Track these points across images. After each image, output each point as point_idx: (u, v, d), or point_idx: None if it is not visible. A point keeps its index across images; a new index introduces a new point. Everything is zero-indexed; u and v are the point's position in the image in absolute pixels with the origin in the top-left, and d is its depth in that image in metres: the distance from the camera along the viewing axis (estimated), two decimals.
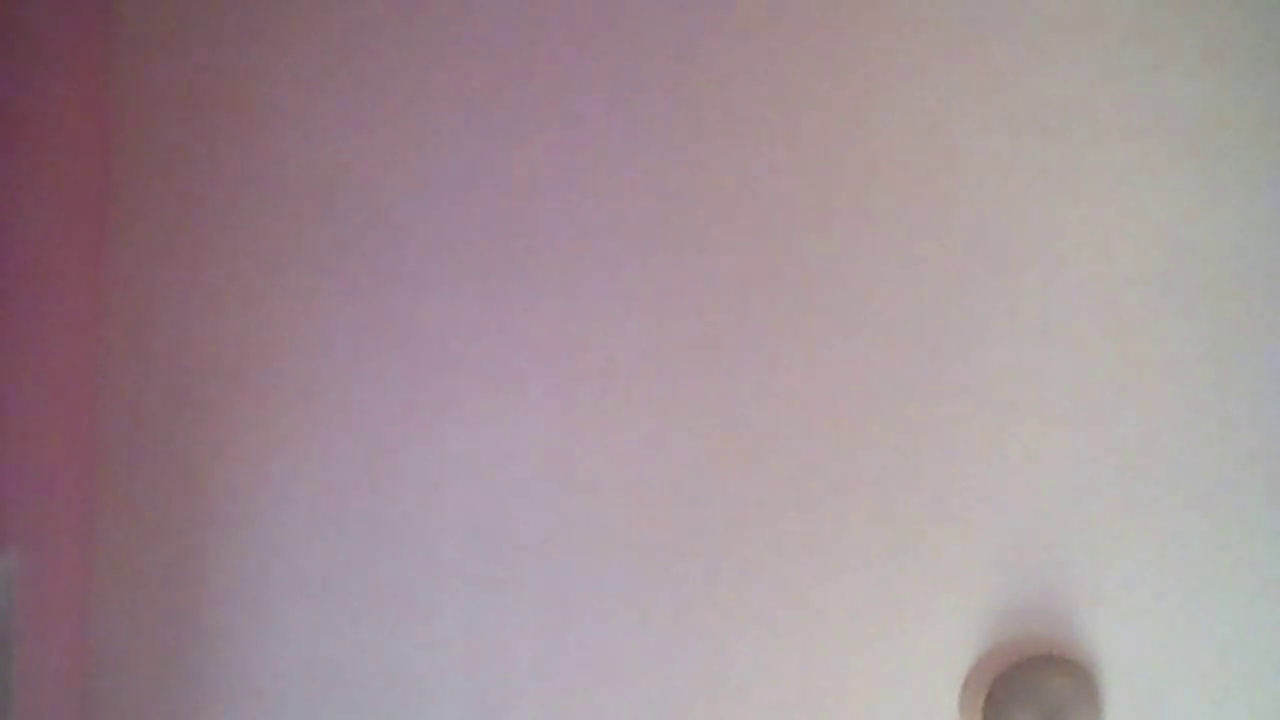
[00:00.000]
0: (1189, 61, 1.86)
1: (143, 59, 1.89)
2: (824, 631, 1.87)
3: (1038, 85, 1.87)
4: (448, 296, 1.88)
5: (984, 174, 1.87)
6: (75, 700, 1.85)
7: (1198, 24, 1.86)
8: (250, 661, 1.87)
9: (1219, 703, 1.85)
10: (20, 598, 1.68)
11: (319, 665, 1.87)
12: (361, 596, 1.87)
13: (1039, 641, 1.85)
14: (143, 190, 1.89)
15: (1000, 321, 1.87)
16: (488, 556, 1.88)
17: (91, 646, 1.87)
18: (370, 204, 1.89)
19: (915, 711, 1.86)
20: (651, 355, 1.88)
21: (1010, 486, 1.86)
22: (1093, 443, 1.86)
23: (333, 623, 1.87)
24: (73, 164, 1.80)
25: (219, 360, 1.88)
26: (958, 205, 1.87)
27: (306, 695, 1.87)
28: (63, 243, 1.79)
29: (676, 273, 1.89)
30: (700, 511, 1.88)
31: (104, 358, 1.88)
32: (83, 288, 1.84)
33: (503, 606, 1.88)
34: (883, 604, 1.87)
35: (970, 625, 1.86)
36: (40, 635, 1.74)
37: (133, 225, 1.89)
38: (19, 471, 1.69)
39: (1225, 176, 1.87)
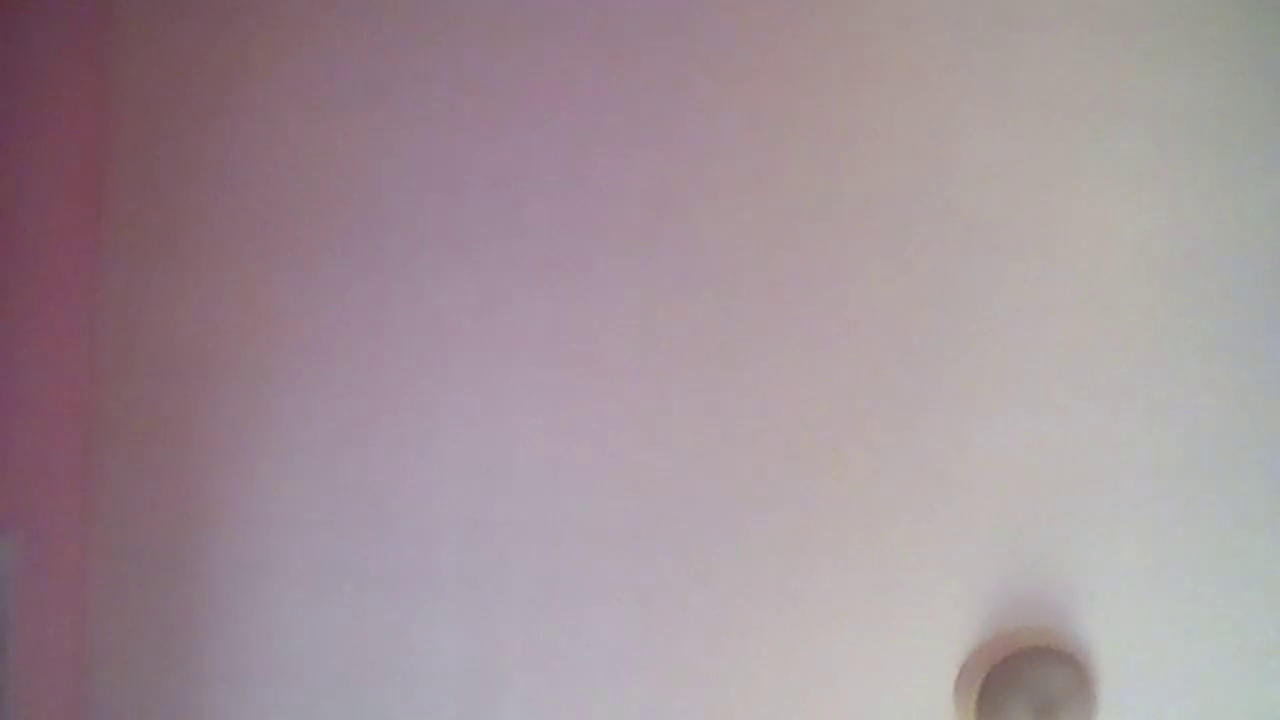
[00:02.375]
0: (1189, 58, 1.84)
1: (139, 51, 1.91)
2: (819, 623, 1.86)
3: (1035, 81, 1.85)
4: (443, 290, 1.89)
5: (981, 169, 1.86)
6: (73, 683, 1.87)
7: (1198, 20, 1.84)
8: (245, 648, 1.89)
9: (1213, 696, 1.82)
10: (18, 582, 1.71)
11: (314, 651, 1.89)
12: (356, 586, 1.89)
13: (1034, 633, 1.83)
14: (138, 184, 1.91)
15: (998, 314, 1.85)
16: (481, 548, 1.88)
17: (88, 630, 1.90)
18: (365, 200, 1.90)
19: (910, 702, 1.85)
20: (645, 348, 1.88)
21: (1006, 479, 1.85)
22: (1088, 436, 1.84)
23: (328, 611, 1.89)
24: (69, 155, 1.83)
25: (214, 352, 1.90)
26: (955, 200, 1.86)
27: (301, 680, 1.89)
28: (59, 235, 1.81)
29: (670, 267, 1.88)
30: (693, 504, 1.87)
31: (101, 347, 1.91)
32: (80, 278, 1.87)
33: (496, 598, 1.88)
34: (878, 595, 1.86)
35: (965, 617, 1.85)
36: (38, 618, 1.77)
37: (129, 218, 1.91)
38: (17, 457, 1.72)
39: (1224, 172, 1.84)
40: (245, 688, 1.89)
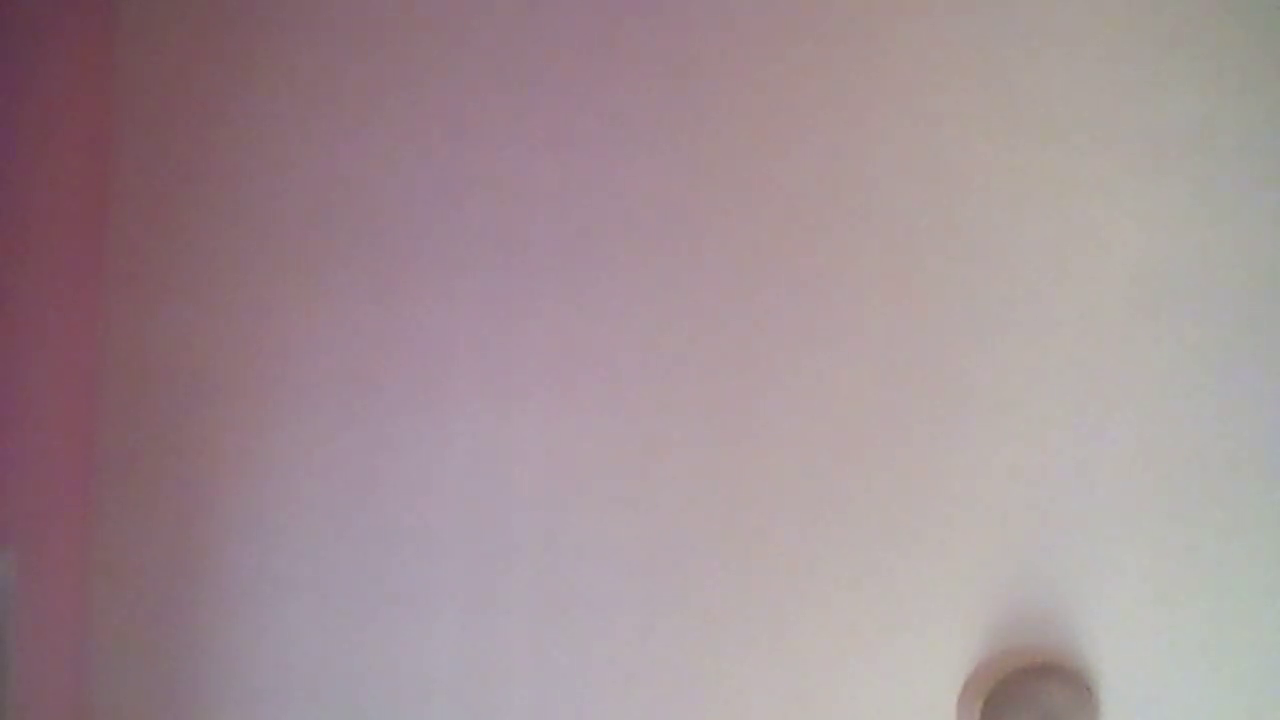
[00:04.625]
0: (1188, 67, 1.86)
1: (144, 60, 1.90)
2: (822, 639, 1.86)
3: (1036, 91, 1.86)
4: (448, 300, 1.89)
5: (981, 179, 1.87)
6: (73, 698, 1.85)
7: (1196, 30, 1.85)
8: (247, 661, 1.88)
9: (1216, 714, 1.84)
10: (18, 596, 1.69)
11: (315, 664, 1.88)
12: (358, 598, 1.88)
13: (1037, 650, 1.84)
14: (143, 191, 1.90)
15: (998, 329, 1.86)
16: (484, 561, 1.88)
17: (89, 644, 1.88)
18: (370, 207, 1.89)
19: (913, 719, 1.86)
20: (649, 362, 1.88)
21: (1010, 495, 1.86)
22: (1092, 451, 1.85)
23: (329, 623, 1.88)
24: (73, 164, 1.81)
25: (218, 362, 1.88)
26: (955, 210, 1.87)
27: (303, 694, 1.88)
28: (63, 243, 1.80)
29: (675, 278, 1.88)
30: (697, 519, 1.87)
31: (103, 357, 1.89)
32: (83, 288, 1.85)
33: (498, 611, 1.88)
34: (881, 611, 1.86)
35: (969, 633, 1.86)
36: (38, 633, 1.75)
37: (133, 226, 1.89)
38: (18, 470, 1.70)
39: (1223, 183, 1.86)
40: (247, 701, 1.88)
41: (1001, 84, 1.87)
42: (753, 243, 1.88)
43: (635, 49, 1.89)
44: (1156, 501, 1.85)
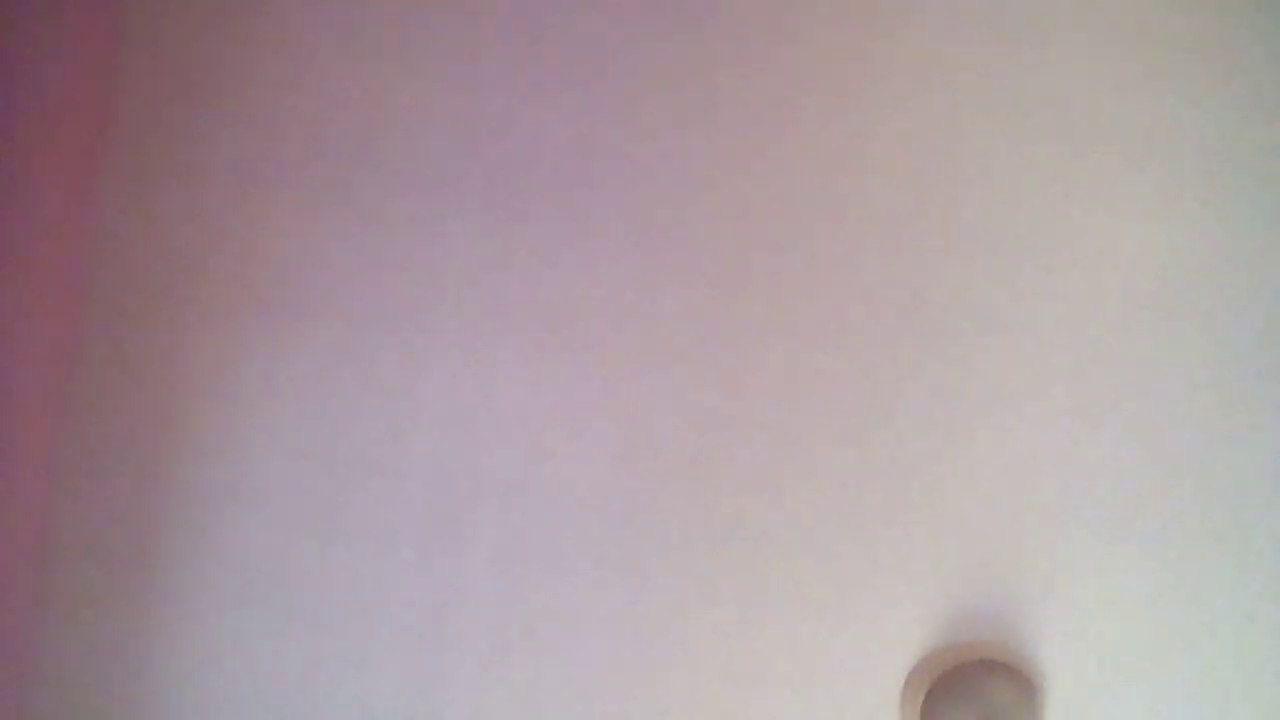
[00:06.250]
0: (1202, 76, 1.85)
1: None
2: (771, 620, 1.87)
3: (1045, 91, 1.86)
4: (441, 236, 1.89)
5: (984, 178, 1.87)
6: (29, 594, 1.87)
7: (1212, 38, 1.85)
8: (206, 571, 1.89)
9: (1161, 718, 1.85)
10: None
11: (273, 577, 1.89)
12: (320, 520, 1.89)
13: (984, 646, 1.84)
14: (146, 104, 1.90)
15: (978, 329, 1.86)
16: (448, 504, 1.89)
17: (50, 537, 1.90)
18: (373, 134, 1.90)
19: (856, 704, 1.86)
20: (631, 326, 1.89)
21: (966, 492, 1.86)
22: (1047, 454, 1.85)
23: (288, 540, 1.89)
24: (80, 57, 1.82)
25: (205, 271, 1.90)
26: (953, 207, 1.87)
27: (261, 604, 1.89)
28: (62, 143, 1.81)
29: (668, 256, 1.89)
30: (660, 485, 1.88)
31: (92, 261, 1.90)
32: (80, 190, 1.86)
33: (457, 554, 1.89)
34: (831, 597, 1.86)
35: (918, 625, 1.86)
36: (3, 523, 1.77)
37: (134, 136, 1.91)
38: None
39: (1231, 192, 1.85)
40: (202, 608, 1.89)
41: (1010, 83, 1.86)
42: (746, 228, 1.88)
43: (640, 29, 1.89)
44: (1120, 509, 1.85)
